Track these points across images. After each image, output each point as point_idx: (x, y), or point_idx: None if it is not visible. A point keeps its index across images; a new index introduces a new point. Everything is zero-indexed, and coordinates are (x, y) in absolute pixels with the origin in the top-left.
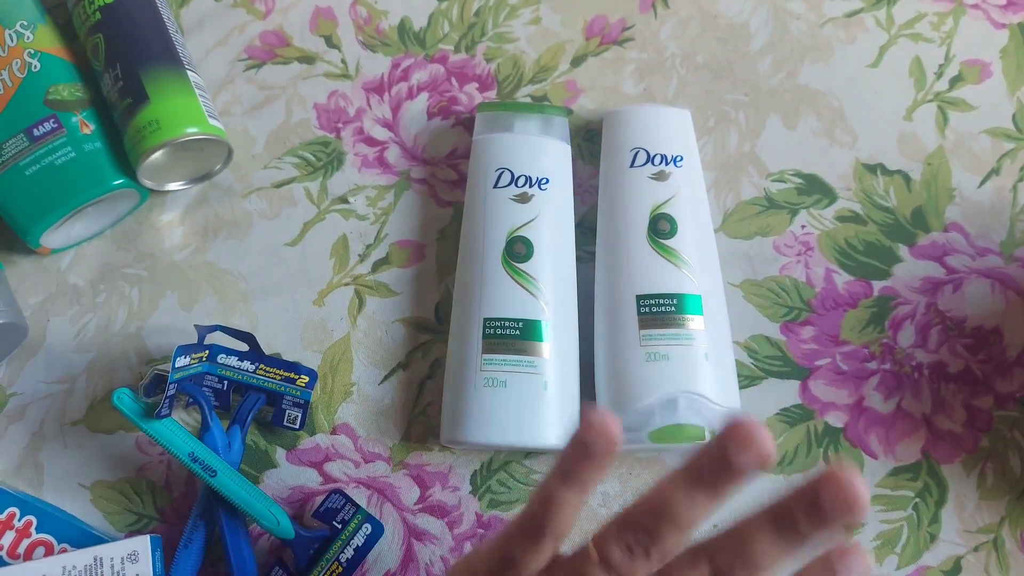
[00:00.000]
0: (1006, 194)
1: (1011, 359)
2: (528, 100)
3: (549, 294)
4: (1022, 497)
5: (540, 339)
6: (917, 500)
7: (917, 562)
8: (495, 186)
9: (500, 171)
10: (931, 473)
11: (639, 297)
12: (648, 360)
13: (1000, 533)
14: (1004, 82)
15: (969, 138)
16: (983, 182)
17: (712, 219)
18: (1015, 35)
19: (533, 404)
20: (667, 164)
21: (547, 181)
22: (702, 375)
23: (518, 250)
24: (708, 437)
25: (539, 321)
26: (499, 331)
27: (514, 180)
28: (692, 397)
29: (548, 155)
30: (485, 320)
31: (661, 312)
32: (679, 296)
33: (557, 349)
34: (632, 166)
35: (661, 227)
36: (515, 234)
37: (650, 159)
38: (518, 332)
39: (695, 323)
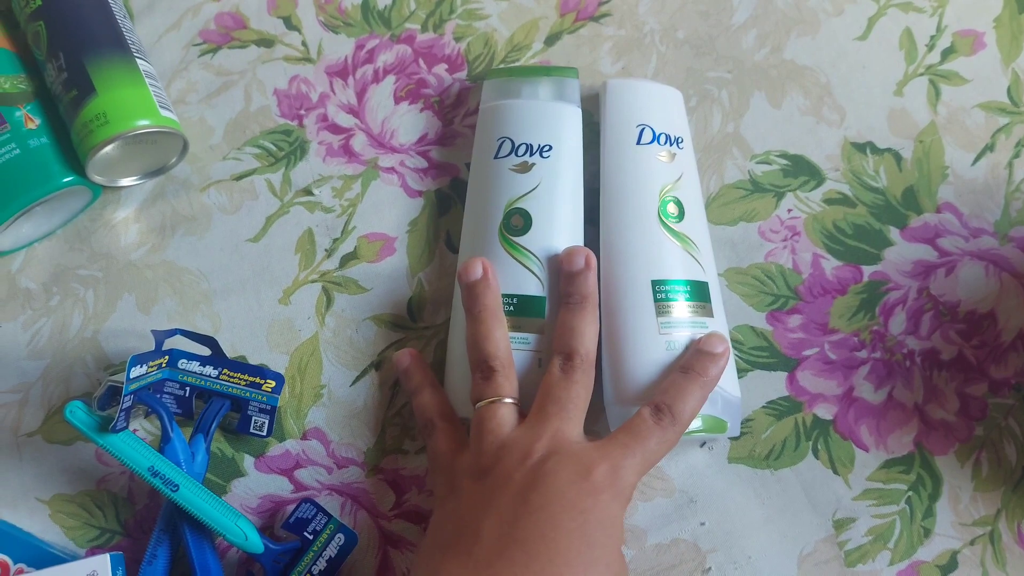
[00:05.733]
0: (1001, 171)
1: (1005, 344)
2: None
3: (549, 268)
4: (1018, 487)
5: (535, 315)
6: (910, 493)
7: (911, 557)
8: (496, 156)
9: (501, 140)
10: (924, 465)
11: (655, 283)
12: (668, 349)
13: (996, 526)
14: (998, 53)
15: (962, 113)
16: (977, 159)
17: None
18: (1009, 3)
19: (527, 381)
20: (671, 145)
21: (550, 148)
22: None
23: (515, 223)
24: (729, 429)
25: (535, 296)
26: None
27: (514, 149)
28: (716, 390)
29: (553, 120)
30: None
31: (677, 299)
32: (693, 283)
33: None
34: (639, 143)
35: (670, 211)
36: (513, 206)
37: (656, 138)
38: (512, 308)
39: (707, 310)
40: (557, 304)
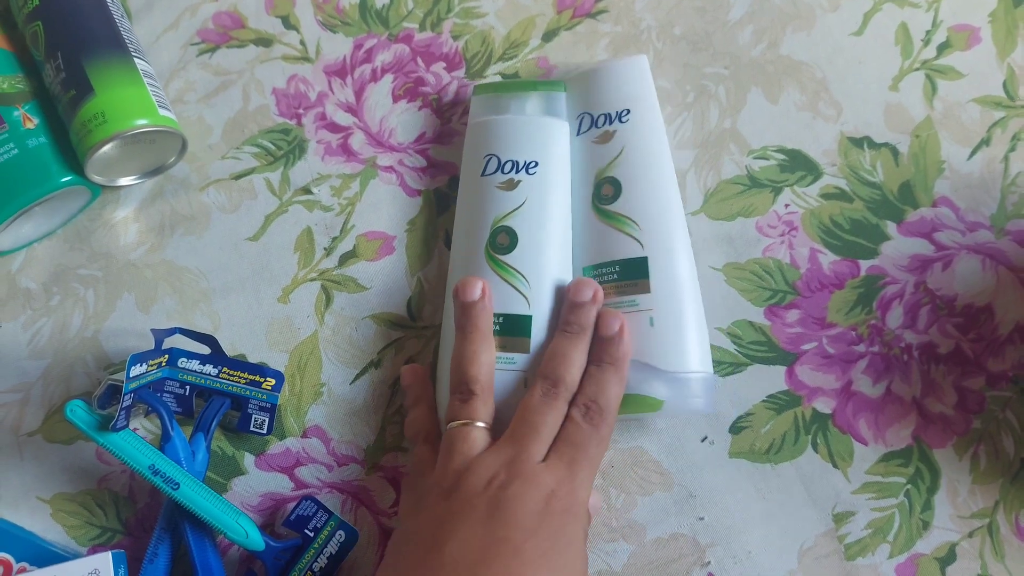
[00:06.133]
0: (997, 165)
1: (1003, 337)
2: (498, 78)
3: (536, 287)
4: (1016, 480)
5: (522, 334)
6: (909, 486)
7: (910, 550)
8: (483, 174)
9: (488, 157)
10: (923, 458)
11: (585, 269)
12: None
13: (995, 518)
14: (994, 48)
15: (958, 107)
16: (973, 153)
17: (692, 200)
18: None
19: (511, 401)
20: (611, 123)
21: (536, 165)
22: (647, 342)
23: (501, 241)
24: (658, 407)
25: (521, 316)
26: None
27: (500, 166)
28: (639, 365)
29: (539, 136)
30: None
31: (604, 281)
32: (621, 262)
33: (544, 344)
34: (579, 134)
35: (604, 192)
36: (499, 224)
37: (594, 122)
38: (499, 328)
39: (638, 288)
40: (545, 324)
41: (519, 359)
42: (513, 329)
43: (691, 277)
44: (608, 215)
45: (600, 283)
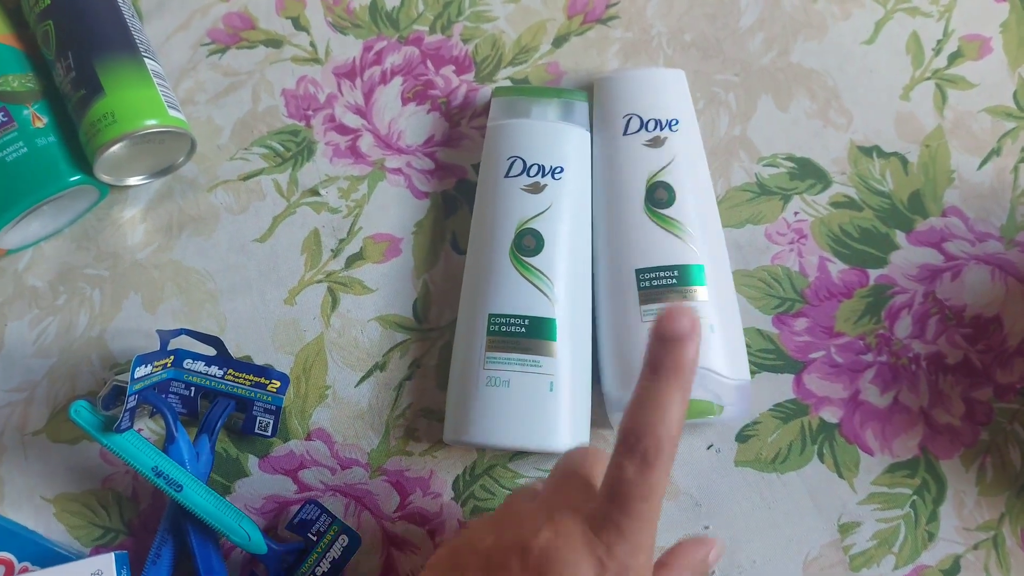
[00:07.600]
0: (1007, 176)
1: (1011, 348)
2: (508, 83)
3: (561, 290)
4: (1022, 493)
5: (547, 337)
6: (915, 498)
7: (915, 561)
8: (506, 175)
9: (512, 159)
10: (929, 469)
11: (639, 271)
12: None
13: (1000, 531)
14: (1005, 58)
15: (969, 117)
16: (983, 163)
17: None
18: (1016, 8)
19: (537, 405)
20: (662, 129)
21: (561, 170)
22: (709, 348)
23: (527, 243)
24: (720, 412)
25: (547, 319)
26: (504, 328)
27: (526, 169)
28: (699, 371)
29: (564, 142)
30: (491, 316)
31: (662, 285)
32: (680, 267)
33: (568, 347)
34: (625, 134)
35: (659, 196)
36: (525, 226)
37: (643, 125)
38: (524, 330)
39: (699, 295)
40: (568, 327)
41: (545, 362)
42: (539, 331)
43: (734, 287)
44: (663, 219)
45: (657, 286)
